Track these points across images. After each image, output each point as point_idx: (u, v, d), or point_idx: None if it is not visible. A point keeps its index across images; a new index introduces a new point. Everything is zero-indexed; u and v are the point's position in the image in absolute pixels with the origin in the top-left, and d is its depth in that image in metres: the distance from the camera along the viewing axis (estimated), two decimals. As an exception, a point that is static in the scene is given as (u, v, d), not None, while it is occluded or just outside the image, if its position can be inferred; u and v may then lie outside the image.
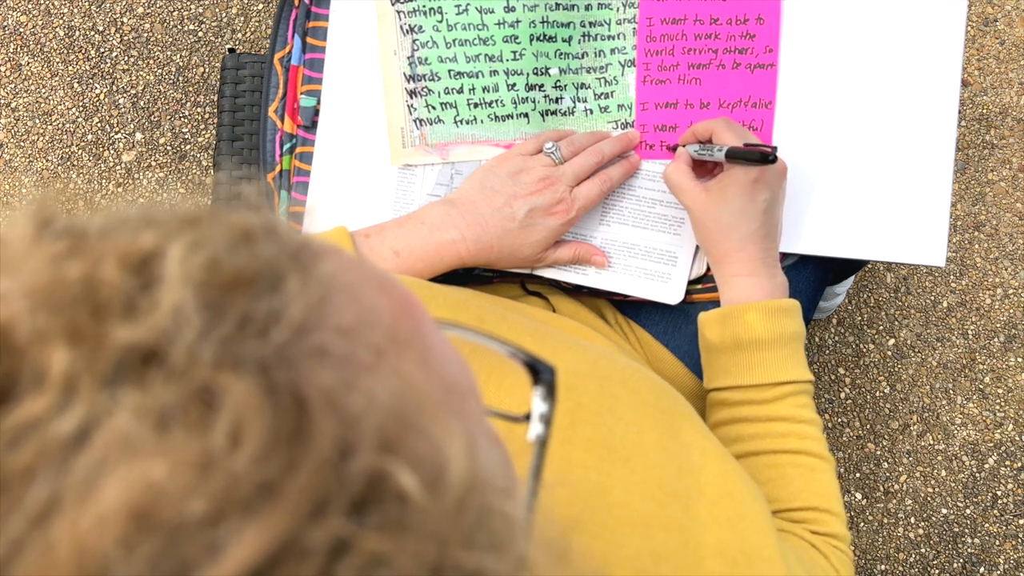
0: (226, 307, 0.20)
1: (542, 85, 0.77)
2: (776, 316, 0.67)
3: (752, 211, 0.67)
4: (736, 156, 0.67)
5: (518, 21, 0.76)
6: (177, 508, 0.18)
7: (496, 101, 0.77)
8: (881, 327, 1.41)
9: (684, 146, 0.73)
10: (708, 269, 0.78)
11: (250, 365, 0.20)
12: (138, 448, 0.18)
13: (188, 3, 1.48)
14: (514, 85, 0.77)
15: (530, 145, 0.73)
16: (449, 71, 0.77)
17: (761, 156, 0.65)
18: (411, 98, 0.78)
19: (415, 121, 0.78)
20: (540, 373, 0.31)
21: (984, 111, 1.43)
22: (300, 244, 0.24)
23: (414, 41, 0.77)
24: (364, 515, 0.19)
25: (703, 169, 0.73)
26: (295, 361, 0.20)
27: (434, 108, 0.78)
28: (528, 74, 0.77)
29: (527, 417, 0.31)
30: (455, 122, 0.78)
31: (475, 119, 0.78)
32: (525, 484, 0.29)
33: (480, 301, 0.62)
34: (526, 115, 0.77)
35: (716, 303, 0.79)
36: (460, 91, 0.77)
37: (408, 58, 0.78)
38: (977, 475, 1.37)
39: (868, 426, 1.39)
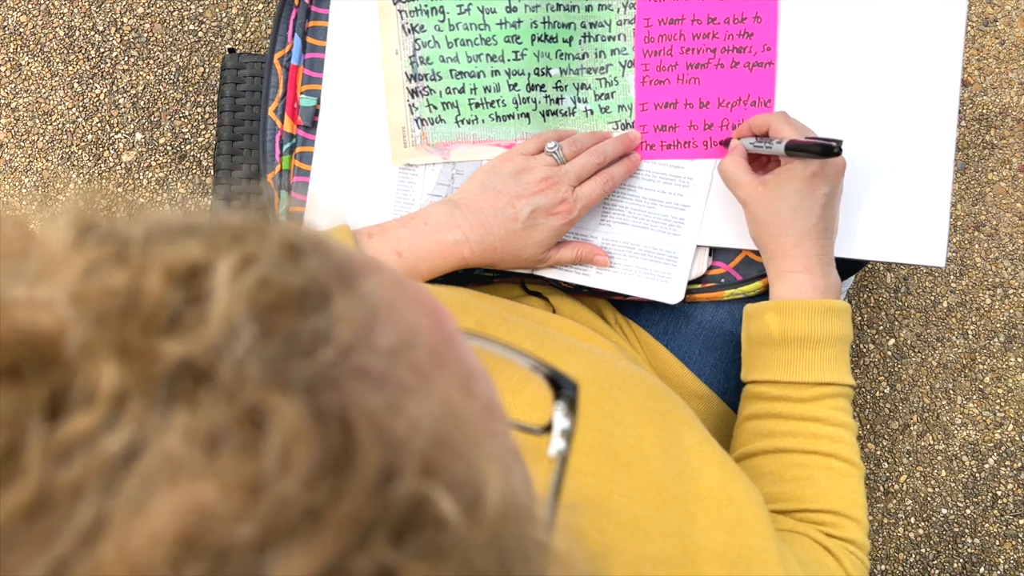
0: (274, 325, 0.20)
1: (543, 85, 0.77)
2: (827, 316, 0.66)
3: (810, 206, 0.67)
4: (797, 149, 0.66)
5: (520, 21, 0.76)
6: (226, 532, 0.17)
7: (497, 101, 0.77)
8: (881, 327, 1.41)
9: (739, 139, 0.73)
10: (708, 269, 0.78)
11: (298, 386, 0.19)
12: (187, 470, 0.18)
13: (188, 3, 1.48)
14: (515, 85, 0.77)
15: (531, 145, 0.73)
16: (451, 71, 0.77)
17: (824, 149, 0.64)
18: (412, 97, 0.78)
19: (416, 121, 0.78)
20: (562, 388, 0.31)
21: (984, 111, 1.43)
22: (345, 259, 0.24)
23: (416, 40, 0.77)
24: (405, 541, 0.19)
25: (756, 164, 0.73)
26: (341, 382, 0.20)
27: (435, 108, 0.78)
28: (529, 74, 0.77)
29: (547, 429, 0.30)
30: (456, 122, 0.78)
31: (476, 119, 0.78)
32: (544, 499, 0.28)
33: (480, 303, 0.62)
34: (527, 115, 0.77)
35: (716, 303, 0.79)
36: (462, 91, 0.77)
37: (410, 57, 0.78)
38: (977, 475, 1.37)
39: (868, 426, 1.39)
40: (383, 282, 0.24)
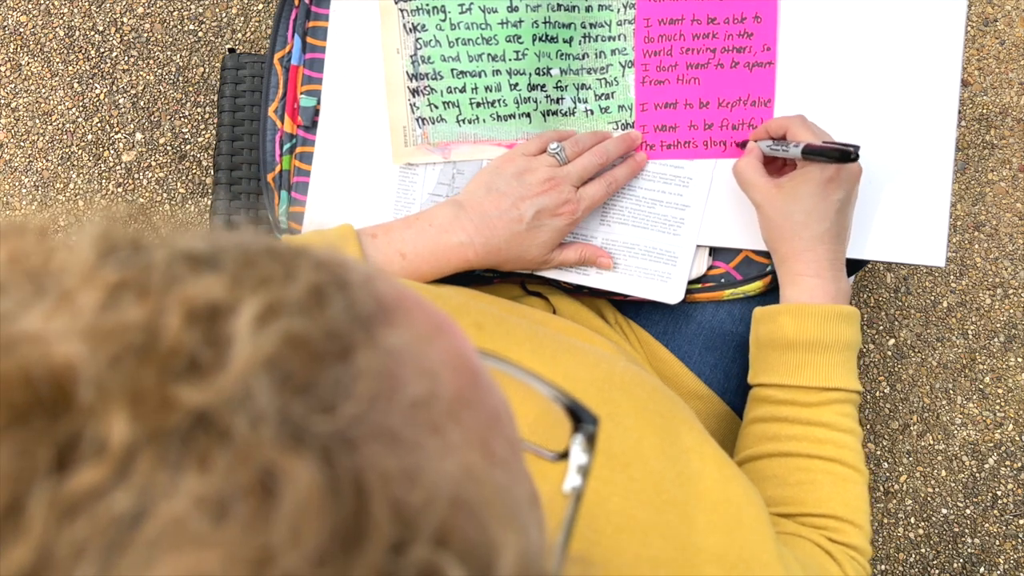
0: (294, 378, 0.19)
1: (544, 85, 0.77)
2: (835, 321, 0.66)
3: (825, 210, 0.67)
4: (814, 153, 0.66)
5: (521, 21, 0.76)
6: None
7: (499, 101, 0.77)
8: (881, 327, 1.41)
9: (755, 141, 0.73)
10: (708, 269, 0.78)
11: (314, 446, 0.19)
12: (194, 537, 0.17)
13: (188, 3, 1.48)
14: (516, 85, 0.77)
15: (533, 145, 0.73)
16: (452, 70, 0.77)
17: (842, 154, 0.64)
18: (413, 97, 0.78)
19: (417, 120, 0.78)
20: (582, 421, 0.30)
21: (984, 111, 1.43)
22: (372, 299, 0.23)
23: (417, 40, 0.77)
24: None
25: (771, 168, 0.73)
26: (359, 443, 0.20)
27: (436, 107, 0.78)
28: (531, 74, 0.77)
29: (563, 455, 0.29)
30: (457, 121, 0.78)
31: (477, 118, 0.78)
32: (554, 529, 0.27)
33: (480, 304, 0.62)
34: (528, 115, 0.77)
35: (716, 303, 0.79)
36: (463, 90, 0.77)
37: (411, 57, 0.78)
38: (977, 475, 1.37)
39: (868, 426, 1.39)
40: (410, 323, 0.23)
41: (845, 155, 0.64)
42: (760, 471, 0.66)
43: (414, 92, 0.78)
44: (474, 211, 0.70)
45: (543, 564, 0.23)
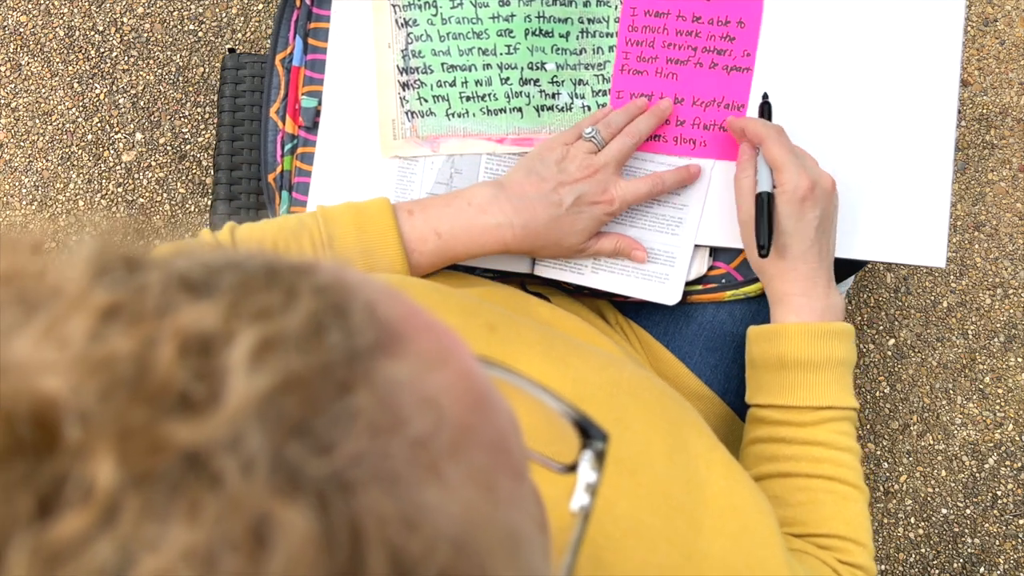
0: (290, 418, 0.19)
1: (537, 80, 0.77)
2: (825, 339, 0.66)
3: (803, 230, 0.67)
4: (758, 210, 0.68)
5: (513, 15, 0.76)
6: None
7: (489, 95, 0.77)
8: (881, 327, 1.41)
9: (740, 143, 0.73)
10: (709, 269, 0.78)
11: (309, 490, 0.18)
12: None
13: (188, 3, 1.48)
14: (507, 79, 0.77)
15: (570, 134, 0.73)
16: (442, 64, 0.77)
17: (757, 229, 0.67)
18: (403, 90, 0.78)
19: (406, 113, 0.78)
20: (592, 438, 0.29)
21: (984, 111, 1.43)
22: (373, 331, 0.22)
23: (408, 34, 0.78)
24: None
25: None
26: (356, 487, 0.19)
27: (426, 101, 0.78)
28: (522, 68, 0.77)
29: (572, 468, 0.28)
30: (447, 115, 0.78)
31: (467, 112, 0.78)
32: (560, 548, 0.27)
33: (490, 305, 0.62)
34: (519, 109, 0.77)
35: (717, 304, 0.79)
36: (453, 84, 0.77)
37: (402, 51, 0.78)
38: (977, 475, 1.37)
39: (868, 426, 1.39)
40: (415, 351, 0.23)
41: (759, 238, 0.67)
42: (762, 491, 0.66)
43: (404, 86, 0.78)
44: (514, 193, 0.69)
45: None
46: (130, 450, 0.17)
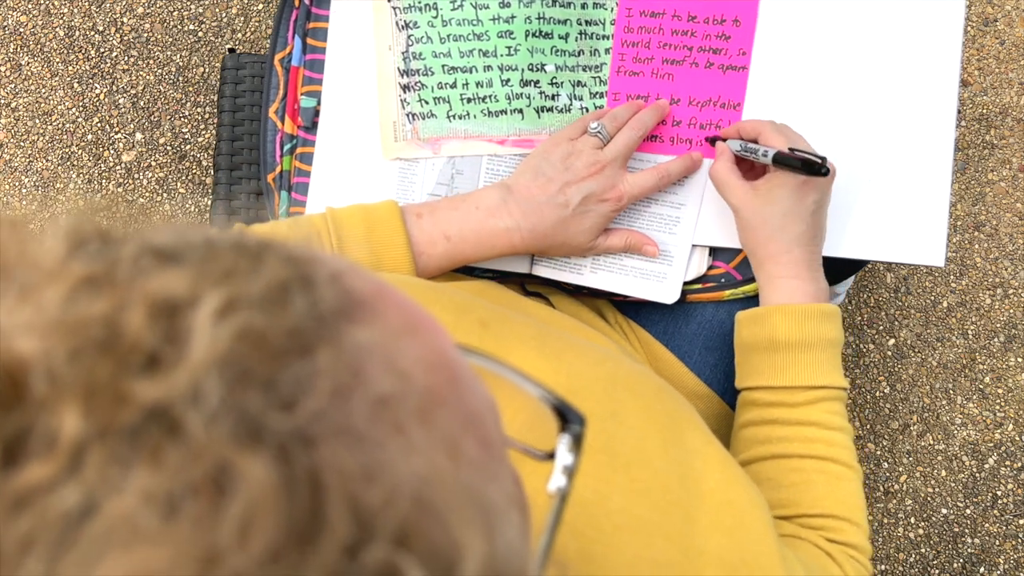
0: (252, 374, 0.19)
1: (537, 81, 0.77)
2: (815, 320, 0.66)
3: (801, 212, 0.67)
4: (784, 162, 0.66)
5: (513, 17, 0.76)
6: None
7: (490, 96, 0.77)
8: (881, 327, 1.41)
9: (725, 140, 0.72)
10: (708, 268, 0.78)
11: (270, 443, 0.19)
12: (142, 534, 0.17)
13: (188, 3, 1.48)
14: (508, 81, 0.77)
15: (575, 129, 0.73)
16: (443, 66, 0.77)
17: (807, 164, 0.64)
18: (404, 92, 0.78)
19: (407, 115, 0.78)
20: (569, 422, 0.29)
21: (984, 111, 1.43)
22: (338, 299, 0.22)
23: (409, 36, 0.78)
24: None
25: (746, 169, 0.73)
26: (318, 440, 0.19)
27: (427, 103, 0.78)
28: (523, 70, 0.77)
29: (550, 456, 0.29)
30: (448, 117, 0.78)
31: (468, 114, 0.78)
32: (537, 529, 0.27)
33: (483, 301, 0.62)
34: (520, 111, 0.77)
35: (716, 303, 0.79)
36: (453, 86, 0.78)
37: (403, 53, 0.78)
38: (977, 475, 1.37)
39: (868, 426, 1.39)
40: (382, 319, 0.23)
41: (813, 167, 0.64)
42: (754, 475, 0.65)
43: (405, 88, 0.78)
44: (521, 196, 0.69)
45: (521, 565, 0.23)
46: (95, 404, 0.18)
